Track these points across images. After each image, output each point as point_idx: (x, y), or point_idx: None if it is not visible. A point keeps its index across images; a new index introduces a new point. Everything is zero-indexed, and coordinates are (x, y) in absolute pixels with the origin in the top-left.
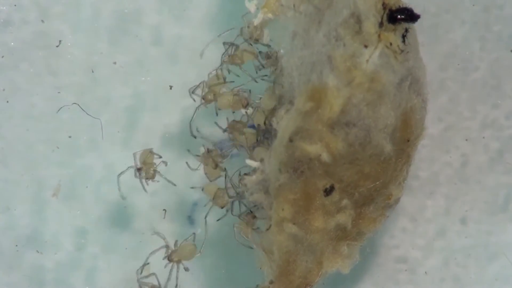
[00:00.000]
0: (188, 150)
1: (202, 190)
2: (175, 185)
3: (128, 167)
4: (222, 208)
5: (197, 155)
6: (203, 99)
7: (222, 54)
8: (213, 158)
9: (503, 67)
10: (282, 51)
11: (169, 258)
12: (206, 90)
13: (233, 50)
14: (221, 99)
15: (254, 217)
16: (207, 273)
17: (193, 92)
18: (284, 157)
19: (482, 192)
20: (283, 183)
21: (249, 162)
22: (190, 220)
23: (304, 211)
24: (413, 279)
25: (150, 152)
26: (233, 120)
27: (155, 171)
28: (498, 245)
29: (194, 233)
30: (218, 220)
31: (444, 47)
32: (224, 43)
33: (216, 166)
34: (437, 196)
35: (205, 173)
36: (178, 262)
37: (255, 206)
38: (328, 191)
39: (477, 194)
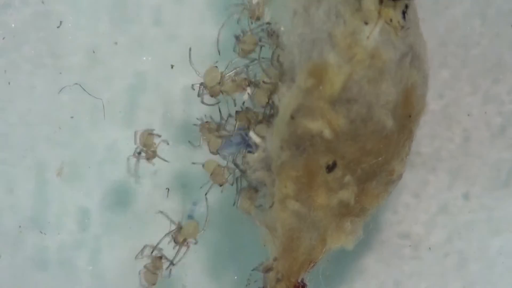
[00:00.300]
0: (189, 141)
1: (203, 166)
2: (167, 161)
3: (132, 152)
4: (221, 185)
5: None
6: (212, 96)
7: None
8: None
9: (504, 42)
10: (282, 29)
11: (175, 240)
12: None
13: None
14: (224, 88)
15: (256, 191)
16: (210, 252)
17: (199, 95)
18: (286, 135)
19: (484, 167)
20: (285, 160)
21: (253, 135)
22: (191, 218)
23: (307, 188)
24: (417, 255)
25: (150, 134)
26: (241, 111)
27: (154, 152)
28: (501, 219)
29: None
30: (234, 204)
31: (444, 23)
32: (235, 37)
33: (218, 129)
34: (440, 172)
35: (207, 143)
36: (184, 241)
37: (256, 185)
38: (331, 168)
39: (480, 169)
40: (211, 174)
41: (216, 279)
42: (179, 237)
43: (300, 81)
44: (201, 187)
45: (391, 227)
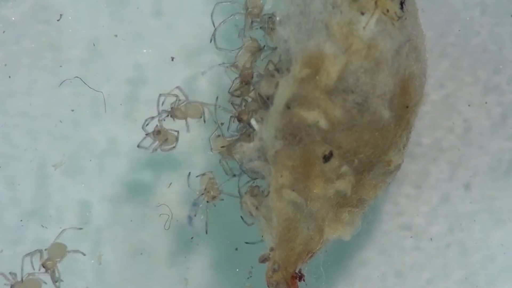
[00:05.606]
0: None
1: (197, 176)
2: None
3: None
4: (213, 199)
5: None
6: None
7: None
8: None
9: (504, 32)
10: (278, 18)
11: (45, 267)
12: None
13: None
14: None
15: (259, 187)
16: (212, 245)
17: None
18: (280, 124)
19: (485, 157)
20: (280, 149)
21: (254, 122)
22: (190, 219)
23: (303, 178)
24: (418, 246)
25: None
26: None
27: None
28: (502, 210)
29: (194, 205)
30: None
31: (444, 13)
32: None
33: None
34: (441, 162)
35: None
36: (54, 264)
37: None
38: (327, 158)
39: (481, 159)
40: (204, 188)
41: (217, 272)
42: (48, 263)
43: (296, 70)
44: (197, 176)
45: (392, 218)
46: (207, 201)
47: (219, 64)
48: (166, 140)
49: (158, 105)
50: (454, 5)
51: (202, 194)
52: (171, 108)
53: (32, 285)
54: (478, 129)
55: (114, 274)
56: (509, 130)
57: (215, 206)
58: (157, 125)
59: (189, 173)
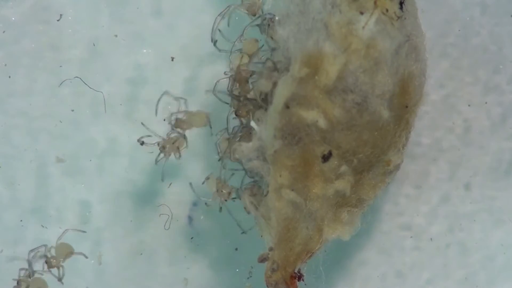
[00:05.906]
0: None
1: (203, 183)
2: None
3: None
4: (229, 196)
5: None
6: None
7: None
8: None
9: (504, 32)
10: (278, 17)
11: (48, 265)
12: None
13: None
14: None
15: (259, 187)
16: (212, 245)
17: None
18: (279, 123)
19: (485, 157)
20: (279, 149)
21: (253, 123)
22: (190, 219)
23: (302, 178)
24: (418, 246)
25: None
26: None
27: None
28: (502, 210)
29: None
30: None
31: (444, 13)
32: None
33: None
34: (441, 162)
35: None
36: (58, 263)
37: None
38: (326, 158)
39: (481, 159)
40: (216, 191)
41: (217, 272)
42: (53, 261)
43: (295, 70)
44: (203, 183)
45: (392, 218)
46: (225, 200)
47: (225, 75)
48: (177, 148)
49: (170, 121)
50: (454, 5)
51: (218, 197)
52: (176, 120)
53: (38, 284)
54: (478, 129)
55: (114, 274)
56: (509, 130)
57: (234, 201)
58: (158, 142)
59: (190, 183)
